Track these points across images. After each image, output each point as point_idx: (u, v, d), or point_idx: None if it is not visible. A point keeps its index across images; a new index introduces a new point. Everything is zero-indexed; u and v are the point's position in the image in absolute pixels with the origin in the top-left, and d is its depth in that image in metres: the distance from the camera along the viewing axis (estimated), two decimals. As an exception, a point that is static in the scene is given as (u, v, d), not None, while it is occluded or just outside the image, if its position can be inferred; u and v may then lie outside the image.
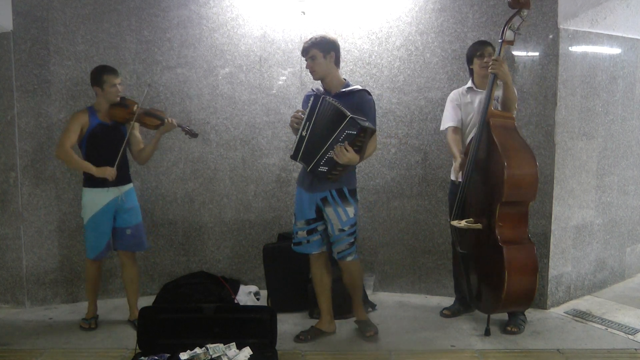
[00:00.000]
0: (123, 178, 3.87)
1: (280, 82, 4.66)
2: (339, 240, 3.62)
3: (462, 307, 4.13)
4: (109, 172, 3.73)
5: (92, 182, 3.80)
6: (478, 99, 3.81)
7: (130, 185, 3.94)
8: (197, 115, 4.59)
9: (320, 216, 3.63)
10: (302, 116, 3.52)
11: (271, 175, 4.73)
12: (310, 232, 3.67)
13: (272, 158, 4.70)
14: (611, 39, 4.46)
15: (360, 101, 3.49)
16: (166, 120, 3.85)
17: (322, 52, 3.48)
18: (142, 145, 3.98)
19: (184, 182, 4.65)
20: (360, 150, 3.37)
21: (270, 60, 4.63)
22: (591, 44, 4.34)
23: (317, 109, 3.45)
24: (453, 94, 3.98)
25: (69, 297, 4.44)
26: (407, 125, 4.53)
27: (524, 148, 3.56)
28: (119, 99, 3.80)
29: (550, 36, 4.09)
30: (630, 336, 3.75)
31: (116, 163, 3.74)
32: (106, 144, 3.78)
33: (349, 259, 3.66)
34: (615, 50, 4.54)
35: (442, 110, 4.05)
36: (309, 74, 3.61)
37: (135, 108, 3.80)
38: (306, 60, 3.54)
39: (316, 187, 3.57)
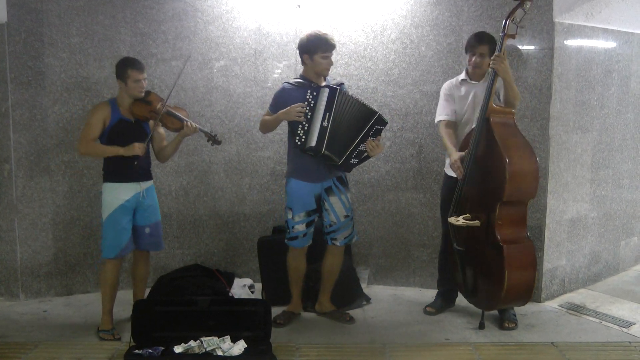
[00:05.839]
0: (144, 174, 3.71)
1: (275, 75, 4.64)
2: (344, 226, 3.81)
3: (444, 302, 4.11)
4: (138, 147, 3.53)
5: (113, 176, 3.61)
6: (473, 91, 3.78)
7: (151, 182, 3.77)
8: (191, 108, 4.56)
9: (318, 207, 3.75)
10: (306, 110, 3.58)
11: (266, 169, 4.72)
12: (309, 224, 3.77)
13: (267, 151, 4.69)
14: (606, 33, 4.46)
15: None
16: (185, 123, 3.68)
17: None
18: (165, 142, 3.85)
19: (178, 175, 4.64)
20: None
21: (265, 53, 4.62)
22: (586, 38, 4.34)
23: (336, 101, 3.54)
24: (446, 85, 3.95)
25: (64, 289, 4.43)
26: (401, 118, 4.52)
27: (525, 145, 3.52)
28: (142, 94, 3.60)
29: (545, 30, 4.08)
30: (624, 329, 3.76)
31: (145, 142, 3.60)
32: (128, 141, 3.55)
33: (354, 239, 3.95)
34: (611, 44, 4.55)
35: (437, 104, 4.04)
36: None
37: (159, 106, 3.62)
38: (329, 56, 3.66)
39: (323, 177, 3.71)
